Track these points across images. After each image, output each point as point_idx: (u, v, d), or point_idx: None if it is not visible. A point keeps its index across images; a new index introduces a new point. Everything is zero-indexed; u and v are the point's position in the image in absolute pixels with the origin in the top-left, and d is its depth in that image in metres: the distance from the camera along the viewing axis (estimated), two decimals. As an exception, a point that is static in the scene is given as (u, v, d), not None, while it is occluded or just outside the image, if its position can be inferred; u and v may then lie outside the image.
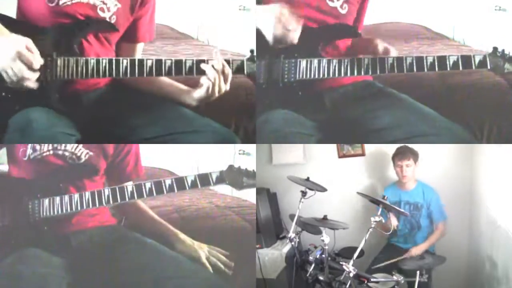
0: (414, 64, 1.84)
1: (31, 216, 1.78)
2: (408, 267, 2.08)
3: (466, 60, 1.84)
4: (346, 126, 1.91)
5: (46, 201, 1.79)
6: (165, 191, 1.82)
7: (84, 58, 1.76)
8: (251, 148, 3.01)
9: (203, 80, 1.78)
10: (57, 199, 1.80)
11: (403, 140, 1.86)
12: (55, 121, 1.73)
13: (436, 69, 1.85)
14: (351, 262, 2.09)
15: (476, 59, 1.84)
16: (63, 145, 1.86)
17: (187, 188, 1.81)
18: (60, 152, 1.86)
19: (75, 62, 1.76)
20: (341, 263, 2.13)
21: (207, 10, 3.14)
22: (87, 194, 1.80)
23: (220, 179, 1.82)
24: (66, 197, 1.80)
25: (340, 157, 3.08)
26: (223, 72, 1.76)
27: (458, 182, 2.79)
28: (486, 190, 2.58)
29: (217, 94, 1.79)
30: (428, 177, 2.74)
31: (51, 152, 1.85)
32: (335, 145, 3.04)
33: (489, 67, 1.84)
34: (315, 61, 1.88)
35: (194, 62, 1.78)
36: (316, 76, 1.88)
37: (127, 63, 1.77)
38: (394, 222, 2.49)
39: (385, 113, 1.89)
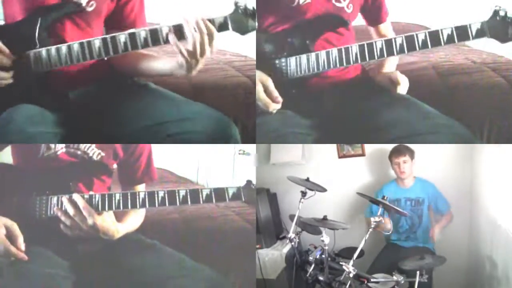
0: (405, 44, 1.72)
1: (38, 214, 1.73)
2: (408, 267, 2.08)
3: (462, 31, 1.67)
4: (345, 124, 1.90)
5: (55, 199, 1.73)
6: (178, 203, 1.75)
7: (54, 46, 1.69)
8: (251, 148, 3.01)
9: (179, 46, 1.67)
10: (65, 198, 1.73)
11: (403, 139, 1.85)
12: (37, 120, 1.68)
13: (429, 46, 1.70)
14: (351, 262, 2.09)
15: (473, 29, 1.66)
16: (75, 144, 1.82)
17: (201, 202, 1.74)
18: (72, 151, 1.83)
19: (46, 53, 1.69)
20: (341, 263, 2.13)
21: (206, 10, 3.14)
22: (97, 196, 1.72)
23: (237, 196, 1.76)
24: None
25: (340, 157, 3.09)
26: (206, 34, 1.66)
27: (458, 182, 2.79)
28: (486, 190, 2.58)
29: (200, 60, 1.68)
30: (428, 177, 2.74)
31: (64, 150, 1.83)
32: (335, 145, 3.04)
33: (488, 36, 1.66)
34: (304, 57, 1.84)
35: (171, 29, 1.67)
36: (307, 72, 1.84)
37: (99, 43, 1.68)
38: (388, 226, 2.51)
39: (385, 112, 1.87)
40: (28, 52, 1.70)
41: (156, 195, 1.73)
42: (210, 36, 1.67)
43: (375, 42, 1.75)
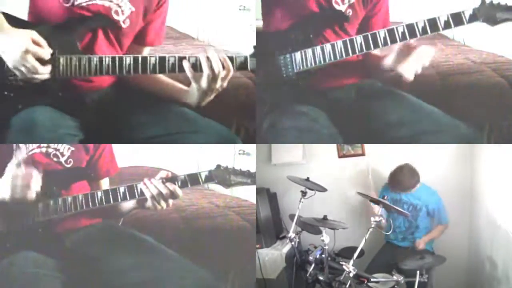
0: (406, 32, 1.81)
1: (26, 220, 1.76)
2: (408, 267, 2.08)
3: (457, 17, 1.78)
4: (349, 125, 1.91)
5: (40, 204, 1.77)
6: None
7: (86, 56, 1.75)
8: (251, 148, 3.01)
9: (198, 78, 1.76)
10: (51, 202, 1.78)
11: (407, 139, 1.86)
12: (59, 122, 1.72)
13: (429, 32, 1.81)
14: (351, 262, 2.10)
15: (466, 15, 1.78)
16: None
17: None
18: (44, 150, 1.85)
19: (77, 60, 1.74)
20: (341, 263, 2.13)
21: (207, 10, 3.14)
22: (80, 197, 1.80)
23: (209, 178, 1.84)
24: (60, 200, 1.79)
25: (340, 157, 3.08)
26: (223, 68, 1.73)
27: (458, 182, 2.79)
28: (486, 190, 2.58)
29: (214, 93, 1.78)
30: (428, 177, 2.74)
31: (37, 150, 1.85)
32: (335, 145, 3.04)
33: (481, 20, 1.78)
34: (309, 51, 1.87)
35: (198, 59, 1.74)
36: (313, 65, 1.87)
37: (130, 60, 1.75)
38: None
39: (389, 112, 1.89)
40: (58, 56, 1.73)
41: (135, 188, 1.80)
42: (227, 74, 1.75)
43: (378, 32, 1.83)
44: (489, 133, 2.28)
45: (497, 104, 2.29)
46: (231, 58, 1.75)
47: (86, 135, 1.79)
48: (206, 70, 1.72)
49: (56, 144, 1.86)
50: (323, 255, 2.15)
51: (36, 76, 1.69)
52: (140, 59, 1.75)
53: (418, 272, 2.03)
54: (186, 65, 1.74)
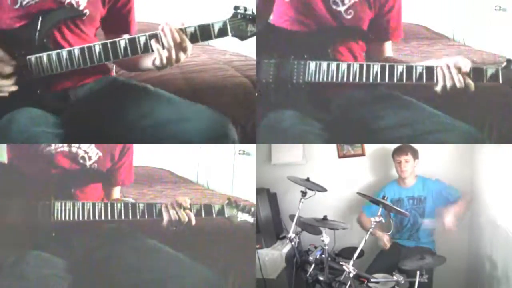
0: (424, 73, 1.80)
1: (41, 218, 1.76)
2: (408, 267, 2.08)
3: (478, 72, 1.79)
4: (351, 126, 1.91)
5: (58, 204, 1.78)
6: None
7: (55, 51, 1.72)
8: (251, 148, 3.01)
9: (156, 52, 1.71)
10: (69, 204, 1.78)
11: (408, 138, 1.86)
12: (38, 120, 1.71)
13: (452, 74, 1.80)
14: (351, 262, 2.09)
15: (488, 73, 1.79)
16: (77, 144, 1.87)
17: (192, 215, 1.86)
18: (74, 150, 1.87)
19: (47, 58, 1.73)
20: (341, 263, 2.13)
21: (207, 10, 3.14)
22: (100, 204, 1.81)
23: (221, 212, 1.92)
24: (79, 204, 1.79)
25: (340, 157, 3.08)
26: (180, 44, 1.69)
27: (458, 182, 2.78)
28: (486, 190, 2.57)
29: (174, 64, 1.72)
30: (428, 176, 2.74)
31: (65, 148, 1.85)
32: (335, 145, 3.04)
33: (501, 81, 1.79)
34: (324, 64, 1.85)
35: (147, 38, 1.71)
36: (325, 80, 1.85)
37: (99, 48, 1.72)
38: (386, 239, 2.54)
39: (390, 113, 1.89)
40: (29, 57, 1.73)
41: (154, 207, 1.83)
42: (184, 46, 1.70)
43: (397, 65, 1.82)
44: (489, 133, 2.27)
45: (497, 105, 2.29)
46: (182, 30, 1.70)
47: (70, 132, 1.77)
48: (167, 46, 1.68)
49: (87, 146, 1.88)
50: (323, 255, 2.15)
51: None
52: (109, 44, 1.72)
53: (418, 272, 2.03)
54: (154, 45, 1.69)
